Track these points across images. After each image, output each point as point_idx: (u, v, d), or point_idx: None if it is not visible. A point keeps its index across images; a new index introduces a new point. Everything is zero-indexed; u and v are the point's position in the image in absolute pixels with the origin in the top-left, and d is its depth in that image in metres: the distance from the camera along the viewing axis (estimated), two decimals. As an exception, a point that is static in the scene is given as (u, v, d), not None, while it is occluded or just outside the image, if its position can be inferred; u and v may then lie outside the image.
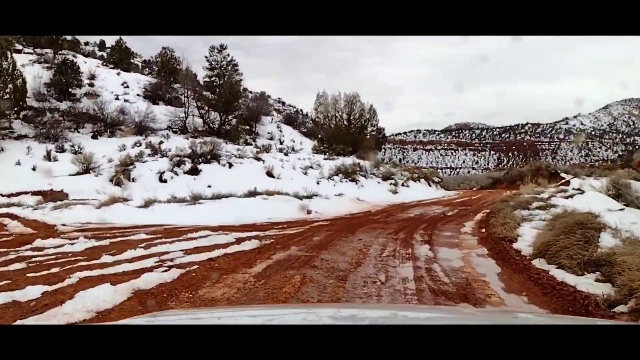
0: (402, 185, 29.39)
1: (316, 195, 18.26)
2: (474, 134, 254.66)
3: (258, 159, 27.00)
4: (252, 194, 16.77)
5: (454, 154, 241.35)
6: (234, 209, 13.95)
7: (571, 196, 14.84)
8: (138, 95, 35.18)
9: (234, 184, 21.05)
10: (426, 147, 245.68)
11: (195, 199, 15.83)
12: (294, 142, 37.09)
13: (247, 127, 35.51)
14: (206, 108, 33.15)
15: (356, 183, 27.80)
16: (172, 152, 25.50)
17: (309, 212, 14.28)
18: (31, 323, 4.18)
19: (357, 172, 28.81)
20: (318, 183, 27.05)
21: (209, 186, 21.57)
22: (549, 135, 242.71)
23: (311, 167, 29.03)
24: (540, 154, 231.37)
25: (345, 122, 41.52)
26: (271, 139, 36.59)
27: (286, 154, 30.83)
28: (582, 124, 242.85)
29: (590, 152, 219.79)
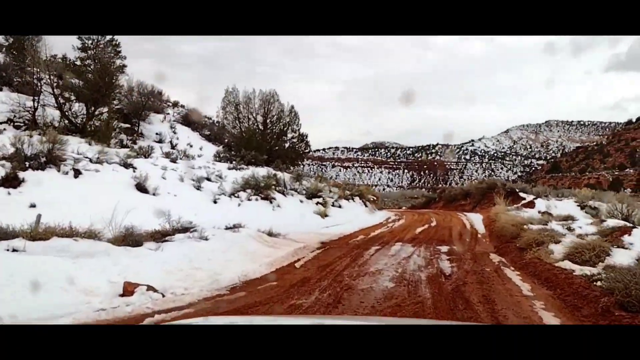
0: (333, 205, 21.14)
1: (188, 231, 9.20)
2: (389, 153, 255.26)
3: (127, 166, 17.61)
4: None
5: (371, 171, 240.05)
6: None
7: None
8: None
9: (77, 203, 12.38)
10: (344, 164, 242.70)
11: None
12: (191, 146, 27.82)
13: (128, 126, 25.80)
14: (71, 98, 23.25)
15: (271, 202, 19.14)
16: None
17: (126, 294, 5.40)
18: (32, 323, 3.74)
19: (273, 186, 20.17)
20: (215, 202, 18.15)
21: (33, 205, 12.51)
22: (456, 156, 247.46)
23: (208, 179, 20.03)
24: (449, 174, 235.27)
25: (260, 126, 32.84)
26: (160, 141, 27.11)
27: (174, 161, 21.61)
28: (485, 146, 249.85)
29: (493, 173, 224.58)
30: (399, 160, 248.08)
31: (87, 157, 17.31)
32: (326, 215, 19.06)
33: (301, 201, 20.52)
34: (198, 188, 19.03)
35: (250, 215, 16.53)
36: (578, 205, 22.34)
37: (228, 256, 7.54)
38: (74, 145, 17.91)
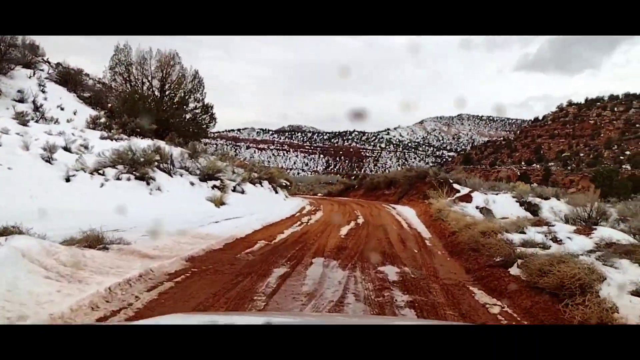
0: (235, 189, 16.69)
1: None
2: (305, 137, 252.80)
3: None
4: None
5: (286, 154, 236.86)
6: None
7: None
8: None
9: None
10: (259, 146, 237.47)
11: None
12: (62, 109, 22.03)
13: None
14: None
15: (148, 183, 14.38)
16: None
17: None
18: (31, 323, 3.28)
19: (156, 163, 15.40)
20: (68, 180, 13.14)
21: None
22: (372, 144, 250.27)
23: (66, 149, 14.85)
24: (364, 161, 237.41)
25: (156, 91, 27.45)
26: (21, 100, 21.10)
27: (25, 124, 16.12)
28: (400, 135, 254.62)
29: (406, 162, 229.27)
30: (315, 145, 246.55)
31: None
32: (222, 204, 14.60)
33: (192, 184, 15.87)
34: (48, 160, 13.84)
35: (113, 200, 11.86)
36: (517, 201, 19.56)
37: None
38: None
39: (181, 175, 16.32)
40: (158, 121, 25.23)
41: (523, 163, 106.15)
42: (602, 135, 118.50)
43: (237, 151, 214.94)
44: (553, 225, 9.88)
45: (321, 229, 10.84)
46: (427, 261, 7.38)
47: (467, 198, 19.03)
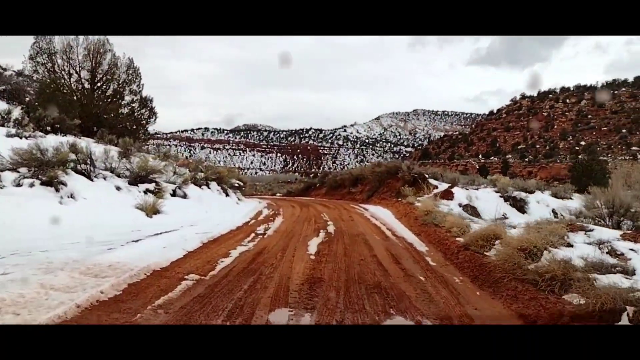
0: (175, 193, 13.62)
1: None
2: (262, 136, 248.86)
3: None
4: None
5: (243, 154, 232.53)
6: None
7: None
8: None
9: None
10: (214, 146, 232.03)
11: None
12: (-35, 104, 18.36)
13: None
14: None
15: (57, 189, 11.19)
16: None
17: None
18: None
19: (71, 164, 12.26)
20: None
21: None
22: (329, 141, 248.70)
23: (-52, 150, 11.51)
24: (322, 158, 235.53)
25: (86, 83, 23.91)
26: None
27: None
28: (358, 132, 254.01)
29: (364, 158, 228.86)
30: (271, 143, 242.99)
31: None
32: (156, 212, 11.55)
33: (118, 188, 12.73)
34: None
35: (6, 214, 8.97)
36: (501, 196, 17.31)
37: None
38: None
39: (105, 179, 13.17)
40: (88, 117, 21.75)
41: (480, 156, 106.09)
42: (555, 127, 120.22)
43: (191, 152, 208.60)
44: (591, 230, 7.41)
45: (282, 245, 7.99)
46: (449, 301, 4.70)
47: (448, 194, 16.60)
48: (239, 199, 17.47)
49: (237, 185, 18.86)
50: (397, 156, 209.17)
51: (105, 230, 9.05)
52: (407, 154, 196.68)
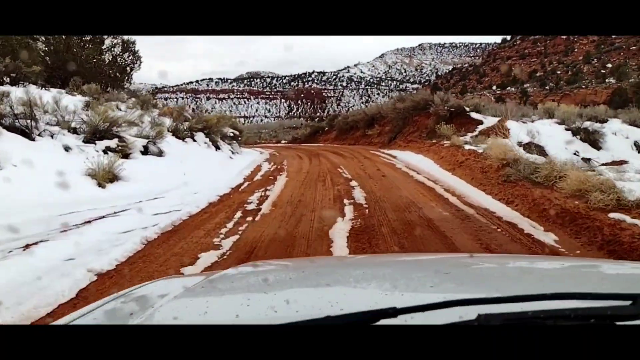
0: (148, 151, 10.34)
1: None
2: (265, 83, 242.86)
3: None
4: None
5: (247, 102, 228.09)
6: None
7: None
8: None
9: None
10: (219, 96, 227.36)
11: None
12: None
13: None
14: None
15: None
16: None
17: None
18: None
19: (4, 120, 9.01)
20: None
21: None
22: (333, 83, 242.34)
23: None
24: (326, 101, 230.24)
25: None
26: None
27: None
28: (361, 72, 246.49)
29: (369, 99, 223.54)
30: (275, 90, 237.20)
31: None
32: (113, 180, 8.30)
33: (68, 149, 9.47)
34: None
35: None
36: (567, 129, 13.83)
37: None
38: None
39: (52, 136, 9.90)
40: (61, 64, 18.32)
41: (495, 87, 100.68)
42: (575, 50, 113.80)
43: (197, 103, 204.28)
44: None
45: (283, 243, 4.66)
46: None
47: (502, 131, 13.17)
48: (232, 152, 14.07)
49: (231, 135, 15.48)
50: (403, 94, 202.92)
51: (17, 217, 5.85)
52: (414, 91, 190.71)
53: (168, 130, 12.38)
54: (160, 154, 10.68)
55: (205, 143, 12.78)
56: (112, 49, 21.77)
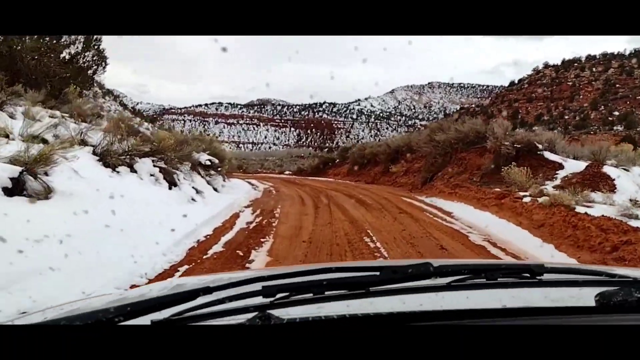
0: (24, 187, 5.49)
1: None
2: (275, 110, 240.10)
3: None
4: None
5: (256, 129, 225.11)
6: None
7: None
8: None
9: None
10: (228, 121, 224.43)
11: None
12: None
13: None
14: None
15: None
16: None
17: None
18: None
19: None
20: None
21: None
22: (343, 115, 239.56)
23: None
24: (335, 132, 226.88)
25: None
26: None
27: None
28: (372, 105, 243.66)
29: (379, 132, 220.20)
30: (285, 118, 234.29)
31: None
32: None
33: None
34: None
35: None
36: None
37: None
38: None
39: None
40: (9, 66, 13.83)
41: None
42: (581, 96, 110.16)
43: (205, 126, 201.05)
44: None
45: None
46: None
47: (601, 182, 8.31)
48: (198, 192, 9.02)
49: (207, 163, 10.61)
50: (411, 130, 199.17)
51: None
52: (422, 127, 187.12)
53: (94, 153, 7.55)
54: (47, 194, 5.80)
55: (152, 176, 7.90)
56: (70, 47, 17.10)
